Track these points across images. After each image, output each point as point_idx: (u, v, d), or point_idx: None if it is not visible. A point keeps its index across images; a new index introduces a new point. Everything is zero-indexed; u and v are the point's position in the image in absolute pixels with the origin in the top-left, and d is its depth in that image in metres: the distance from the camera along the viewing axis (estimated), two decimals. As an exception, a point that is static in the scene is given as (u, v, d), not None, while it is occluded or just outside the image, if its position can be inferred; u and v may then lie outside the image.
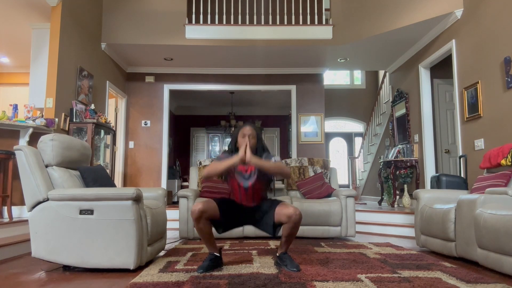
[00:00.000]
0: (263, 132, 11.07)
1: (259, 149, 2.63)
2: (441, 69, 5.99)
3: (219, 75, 7.33)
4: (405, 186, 5.82)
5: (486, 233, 2.40)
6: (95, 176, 2.86)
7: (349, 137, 11.48)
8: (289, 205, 2.46)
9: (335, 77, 10.69)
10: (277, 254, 2.57)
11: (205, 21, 6.64)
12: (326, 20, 6.55)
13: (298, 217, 2.37)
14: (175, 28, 6.02)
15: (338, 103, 10.37)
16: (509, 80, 3.85)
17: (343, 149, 11.52)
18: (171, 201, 7.99)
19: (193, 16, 6.05)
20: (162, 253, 3.16)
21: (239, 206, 2.63)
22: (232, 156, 2.47)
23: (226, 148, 2.76)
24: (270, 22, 6.09)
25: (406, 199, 5.58)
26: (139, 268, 2.55)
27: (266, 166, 2.44)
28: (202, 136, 11.06)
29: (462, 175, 4.68)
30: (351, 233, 4.04)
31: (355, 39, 5.84)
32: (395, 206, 5.86)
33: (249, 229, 4.03)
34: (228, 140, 10.51)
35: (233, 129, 9.89)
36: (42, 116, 4.37)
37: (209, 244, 2.50)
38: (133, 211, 2.45)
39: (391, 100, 7.19)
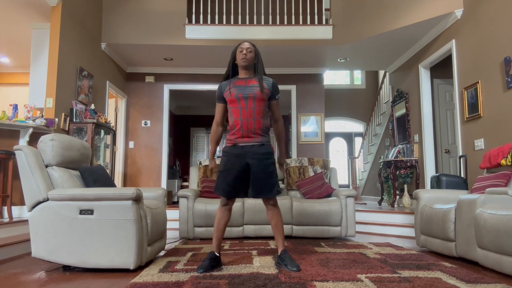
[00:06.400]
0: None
1: (258, 66, 2.60)
2: (441, 69, 6.00)
3: (219, 75, 7.33)
4: (405, 186, 5.82)
5: (486, 233, 2.40)
6: (95, 176, 2.86)
7: (349, 137, 11.49)
8: (274, 203, 2.60)
9: (335, 77, 10.69)
10: (278, 254, 2.59)
11: (205, 21, 6.65)
12: (326, 20, 6.55)
13: (274, 208, 2.60)
14: (175, 28, 6.02)
15: (338, 103, 10.37)
16: (509, 80, 3.85)
17: (343, 149, 11.52)
18: (171, 201, 8.00)
19: (193, 16, 6.05)
20: (162, 253, 3.16)
21: (240, 156, 2.53)
22: (228, 82, 2.59)
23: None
24: (270, 22, 6.08)
25: (406, 199, 5.58)
26: (139, 268, 2.55)
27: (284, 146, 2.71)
28: (202, 136, 11.06)
29: (462, 175, 4.68)
30: (351, 233, 4.04)
31: (355, 39, 5.84)
32: (395, 206, 5.86)
33: (249, 229, 4.03)
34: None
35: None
36: (42, 116, 4.37)
37: (217, 239, 2.57)
38: (133, 211, 2.45)
39: (391, 100, 7.19)
